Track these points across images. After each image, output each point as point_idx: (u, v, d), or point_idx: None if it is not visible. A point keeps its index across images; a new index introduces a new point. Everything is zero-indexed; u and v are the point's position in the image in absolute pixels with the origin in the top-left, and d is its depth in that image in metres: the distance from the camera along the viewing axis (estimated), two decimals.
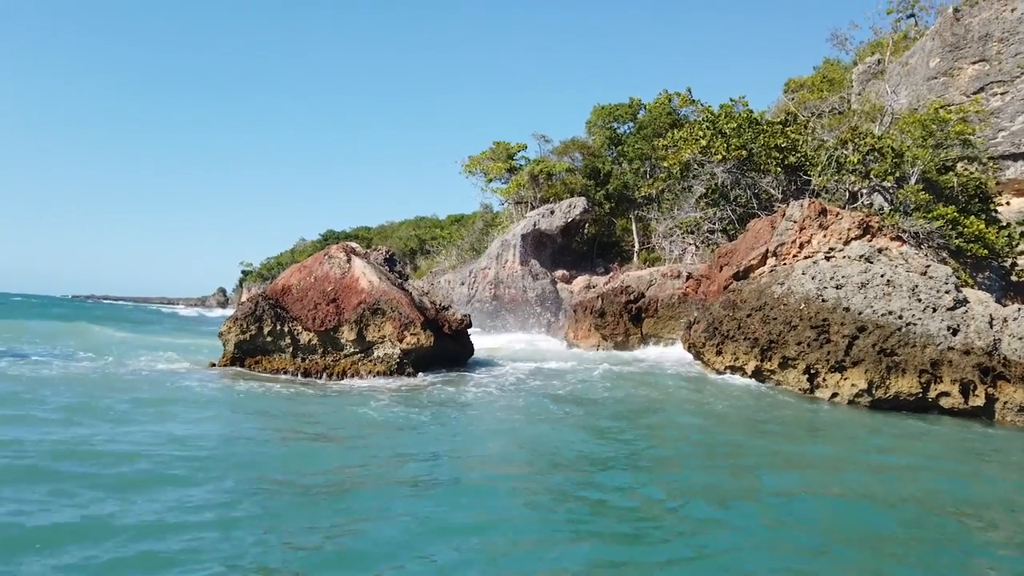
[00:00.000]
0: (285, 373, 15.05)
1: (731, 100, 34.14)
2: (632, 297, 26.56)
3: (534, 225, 39.86)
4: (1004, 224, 20.34)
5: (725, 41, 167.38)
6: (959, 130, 19.60)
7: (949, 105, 22.32)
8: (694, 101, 39.86)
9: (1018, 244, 20.01)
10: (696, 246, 28.90)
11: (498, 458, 8.79)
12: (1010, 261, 20.67)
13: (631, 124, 41.38)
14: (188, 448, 7.73)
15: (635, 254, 40.06)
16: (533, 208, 41.92)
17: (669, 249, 31.48)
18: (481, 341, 32.96)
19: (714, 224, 27.75)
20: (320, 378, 14.97)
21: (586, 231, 42.60)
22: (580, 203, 40.05)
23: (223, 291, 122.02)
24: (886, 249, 17.30)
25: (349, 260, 16.51)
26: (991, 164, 21.79)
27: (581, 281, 41.28)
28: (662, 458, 9.46)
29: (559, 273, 41.02)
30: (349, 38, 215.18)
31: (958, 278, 19.10)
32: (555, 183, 41.14)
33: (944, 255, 19.43)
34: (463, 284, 41.07)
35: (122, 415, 9.61)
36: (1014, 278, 22.53)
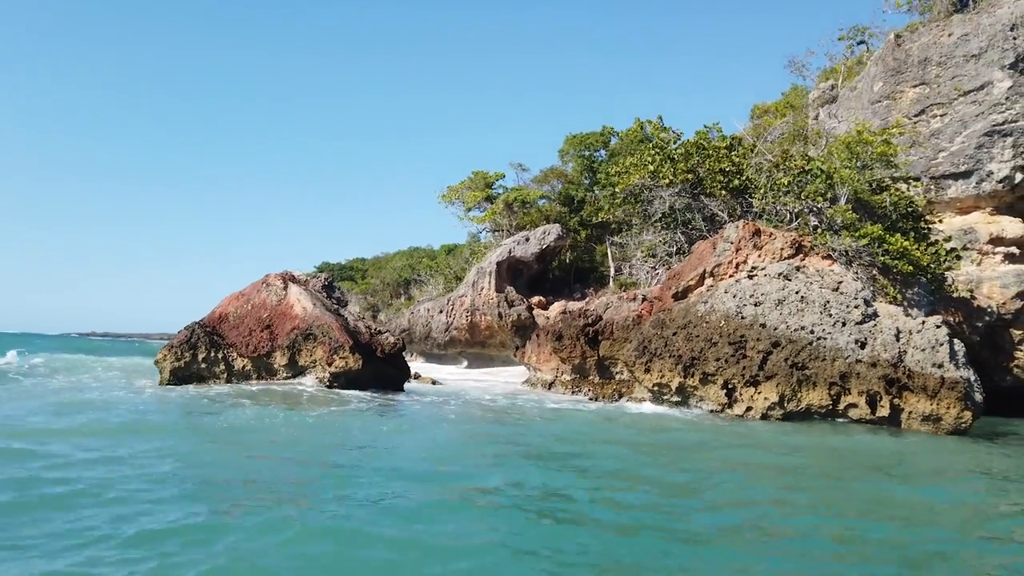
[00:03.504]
0: None
1: (705, 127, 34.99)
2: (589, 320, 27.13)
3: (509, 252, 40.53)
4: (932, 241, 20.87)
5: (700, 67, 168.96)
6: (881, 151, 20.23)
7: (889, 128, 22.99)
8: (666, 128, 40.72)
9: (945, 260, 20.52)
10: (656, 269, 29.53)
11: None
12: (943, 276, 21.14)
13: (603, 152, 42.28)
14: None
15: (611, 279, 40.59)
16: (510, 236, 42.66)
17: (630, 273, 32.11)
18: (437, 370, 33.62)
19: (671, 247, 28.41)
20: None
21: (564, 257, 43.23)
22: (554, 230, 40.72)
23: None
24: (803, 267, 17.89)
25: (286, 287, 17.26)
26: (920, 184, 22.40)
27: (558, 307, 41.79)
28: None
29: (536, 300, 41.56)
30: (345, 68, 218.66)
31: (886, 293, 19.65)
32: (531, 211, 41.94)
33: (874, 272, 19.94)
34: (442, 312, 41.72)
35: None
36: (956, 294, 22.99)
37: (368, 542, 5.74)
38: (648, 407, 17.89)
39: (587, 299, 37.74)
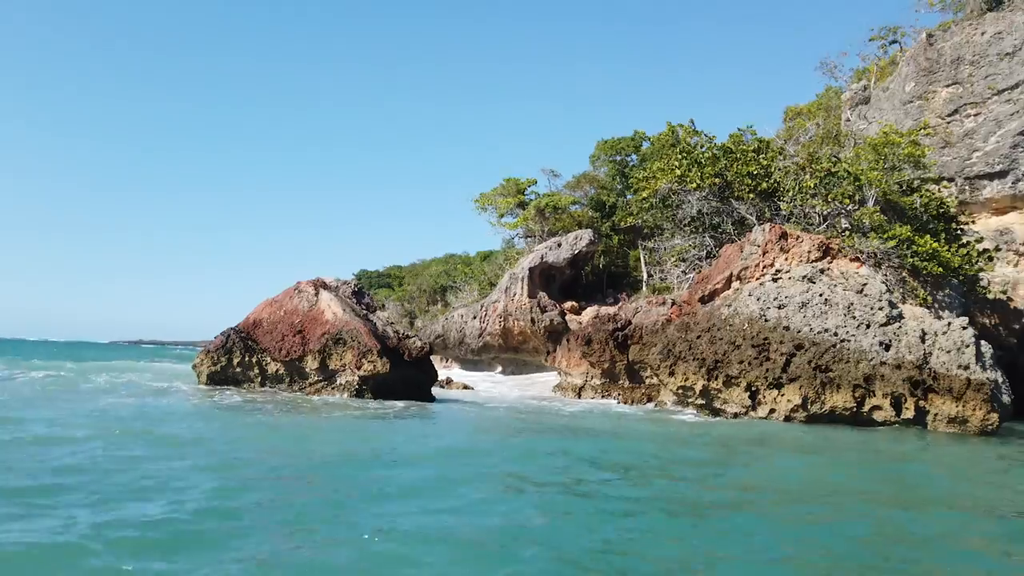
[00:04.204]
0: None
1: (739, 130, 34.88)
2: (619, 325, 27.28)
3: (541, 258, 40.79)
4: (964, 242, 20.59)
5: (733, 70, 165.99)
6: (908, 152, 20.03)
7: (916, 128, 22.75)
8: (698, 132, 40.62)
9: (977, 261, 20.22)
10: (686, 273, 29.56)
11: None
12: (977, 277, 20.84)
13: (635, 156, 42.36)
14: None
15: (644, 284, 40.59)
16: (543, 242, 42.93)
17: (662, 278, 32.17)
18: (472, 376, 33.99)
19: (701, 252, 28.44)
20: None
21: (598, 263, 43.32)
22: (586, 235, 40.86)
23: None
24: (828, 269, 17.84)
25: (317, 293, 17.82)
26: (954, 184, 22.11)
27: (590, 312, 41.89)
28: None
29: (568, 305, 41.73)
30: (387, 85, 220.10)
31: (916, 295, 19.45)
32: (563, 217, 42.18)
33: (903, 274, 19.75)
34: (475, 318, 42.12)
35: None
36: (991, 296, 22.62)
37: None
38: (673, 410, 18.02)
39: (620, 304, 37.81)
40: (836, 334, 16.02)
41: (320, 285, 18.25)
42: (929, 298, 19.56)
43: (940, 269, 18.91)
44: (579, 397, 27.62)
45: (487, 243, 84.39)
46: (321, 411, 14.43)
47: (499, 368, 43.27)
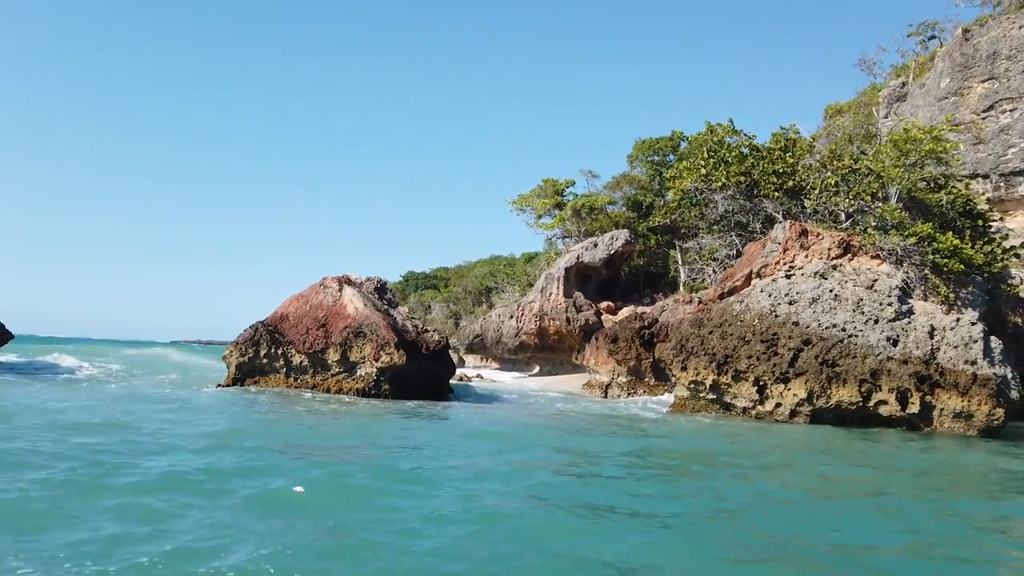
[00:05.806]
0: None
1: (782, 128, 34.68)
2: (645, 323, 27.52)
3: (577, 258, 41.13)
4: (987, 240, 20.25)
5: (777, 70, 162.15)
6: (930, 149, 19.80)
7: (938, 125, 22.45)
8: (737, 132, 40.41)
9: (1002, 259, 19.86)
10: (715, 272, 29.63)
11: None
12: (1006, 275, 20.48)
13: (673, 157, 42.37)
14: None
15: (680, 283, 40.58)
16: (580, 242, 43.26)
17: (693, 278, 32.25)
18: (507, 375, 34.61)
19: (730, 250, 28.50)
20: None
21: (635, 263, 43.44)
22: (622, 235, 41.03)
23: None
24: (840, 265, 17.86)
25: (341, 289, 18.67)
26: (987, 181, 21.72)
27: (626, 312, 42.06)
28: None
29: (604, 305, 41.93)
30: (437, 83, 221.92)
31: (937, 292, 19.26)
32: (599, 217, 42.45)
33: (925, 271, 19.56)
34: (512, 317, 42.69)
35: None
36: (1022, 293, 22.16)
37: None
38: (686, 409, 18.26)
39: (656, 303, 37.92)
40: (844, 329, 16.09)
41: (344, 281, 19.09)
42: (951, 295, 19.33)
43: (962, 266, 18.69)
44: (605, 395, 27.92)
45: (531, 245, 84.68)
46: (331, 415, 15.19)
47: (536, 367, 43.75)
